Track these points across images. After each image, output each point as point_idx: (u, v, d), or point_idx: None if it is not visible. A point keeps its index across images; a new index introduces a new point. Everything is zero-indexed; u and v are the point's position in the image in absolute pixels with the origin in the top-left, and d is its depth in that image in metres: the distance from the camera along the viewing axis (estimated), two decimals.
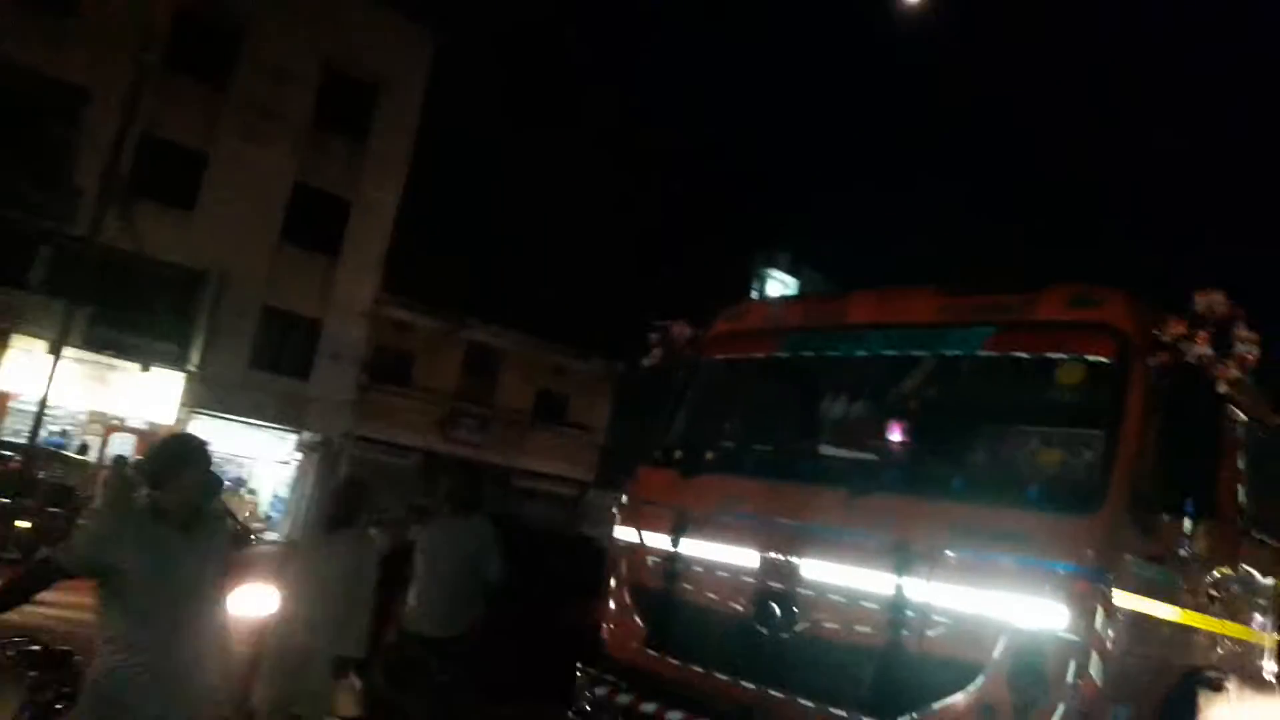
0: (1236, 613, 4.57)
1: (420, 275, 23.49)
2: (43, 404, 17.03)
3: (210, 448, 3.75)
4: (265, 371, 22.46)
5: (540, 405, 27.00)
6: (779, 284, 30.70)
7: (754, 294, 26.95)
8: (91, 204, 18.45)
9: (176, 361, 20.91)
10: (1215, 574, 4.39)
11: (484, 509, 6.26)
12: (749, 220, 28.72)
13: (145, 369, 20.10)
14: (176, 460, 3.61)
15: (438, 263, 23.70)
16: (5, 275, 18.61)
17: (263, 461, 23.14)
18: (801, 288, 29.32)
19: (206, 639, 3.56)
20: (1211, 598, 4.39)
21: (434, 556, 5.91)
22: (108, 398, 20.05)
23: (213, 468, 3.92)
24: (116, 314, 19.68)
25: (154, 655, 3.40)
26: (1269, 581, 4.85)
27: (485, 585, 5.88)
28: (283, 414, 22.63)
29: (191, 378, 21.09)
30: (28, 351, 18.59)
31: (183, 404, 20.88)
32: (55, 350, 17.11)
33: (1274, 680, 4.85)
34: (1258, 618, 4.77)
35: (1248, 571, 4.67)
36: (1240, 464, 4.56)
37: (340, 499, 5.59)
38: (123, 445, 19.61)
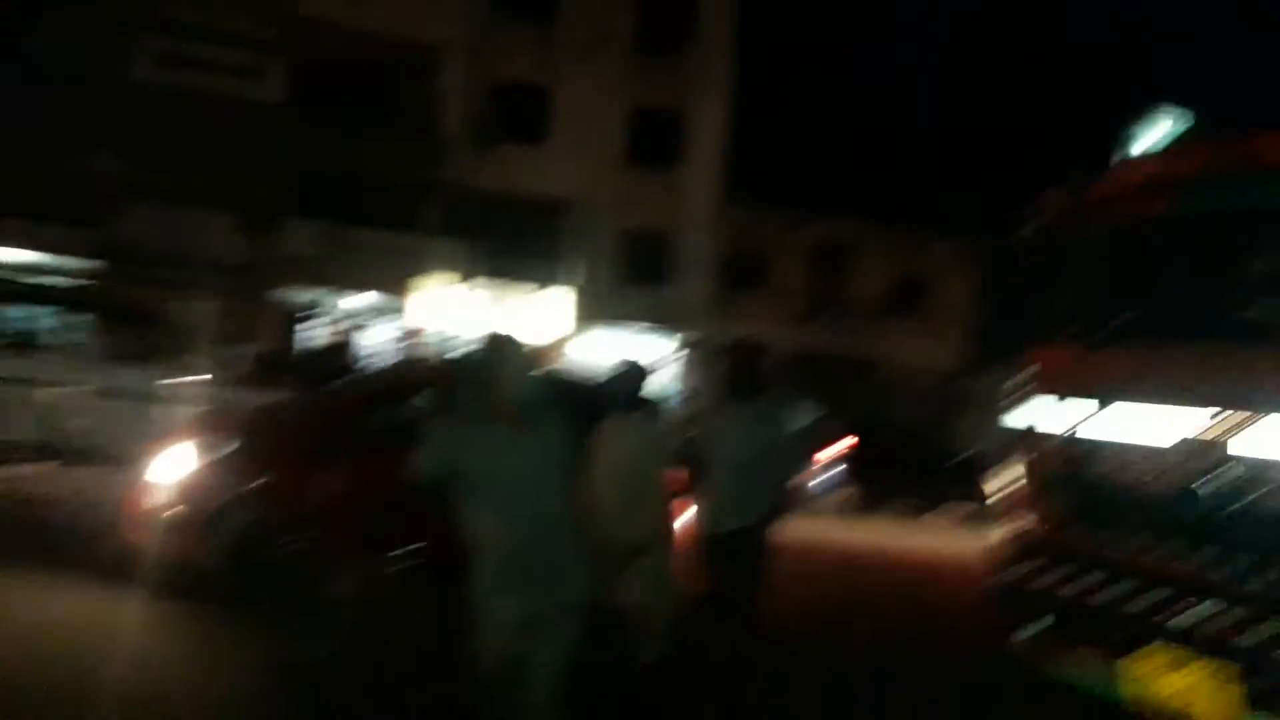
0: None
1: (761, 174, 23.61)
2: (449, 334, 19.28)
3: (520, 345, 3.67)
4: (632, 284, 23.79)
5: (898, 293, 26.42)
6: (1150, 137, 27.58)
7: (1126, 152, 24.29)
8: (459, 151, 20.34)
9: (563, 281, 22.78)
10: None
11: (772, 392, 5.97)
12: (1108, 75, 26.07)
13: (541, 288, 22.09)
14: (494, 359, 3.61)
15: (777, 159, 23.69)
16: (400, 224, 20.98)
17: (651, 362, 24.65)
18: (1175, 140, 26.13)
19: (565, 535, 3.63)
20: None
21: (719, 447, 5.69)
22: (507, 321, 22.26)
23: (537, 370, 3.86)
24: (502, 246, 21.73)
25: (514, 555, 3.50)
26: None
27: (778, 479, 5.66)
28: (655, 319, 23.99)
29: (579, 292, 22.90)
30: (431, 289, 21.03)
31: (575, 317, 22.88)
32: (460, 282, 19.32)
33: None
34: None
35: None
36: None
37: (738, 363, 5.60)
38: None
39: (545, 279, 22.67)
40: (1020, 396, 5.29)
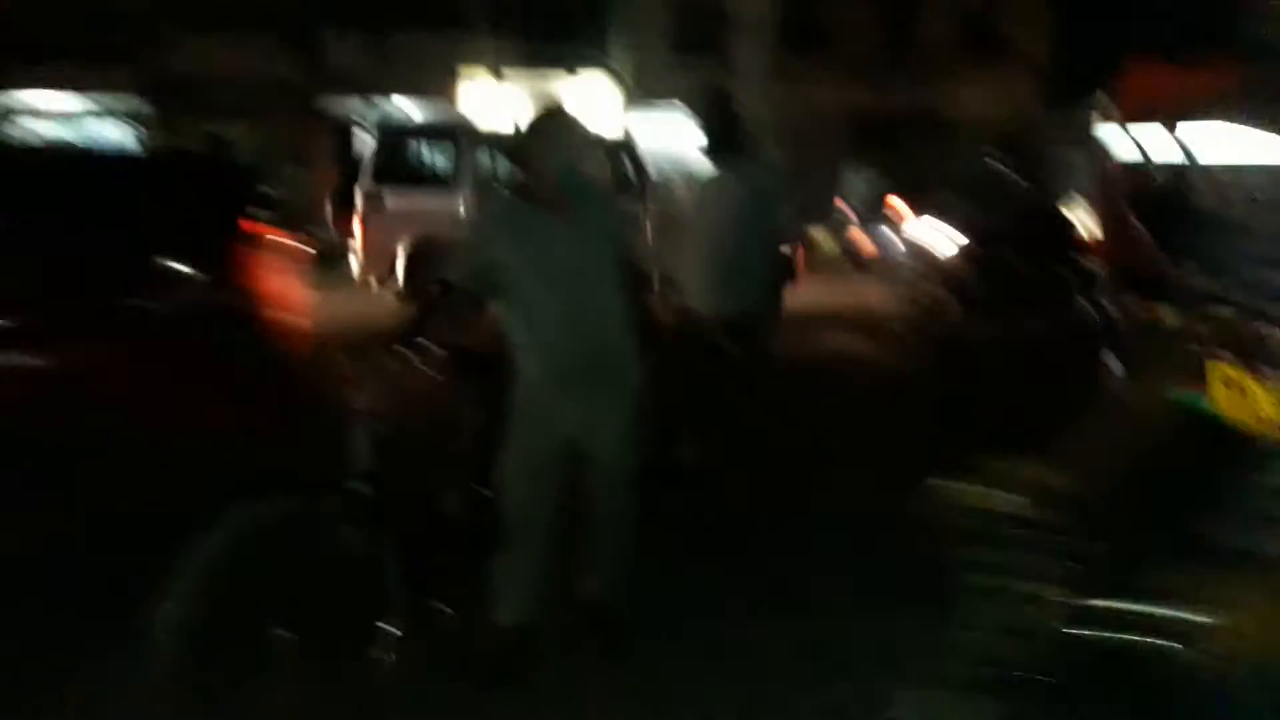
0: None
1: None
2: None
3: (577, 123, 3.29)
4: (684, 56, 22.84)
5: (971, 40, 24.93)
6: None
7: None
8: None
9: (609, 60, 22.00)
10: None
11: (752, 149, 4.99)
12: None
13: (586, 70, 21.50)
14: (537, 138, 3.21)
15: None
16: (437, 24, 20.46)
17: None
18: None
19: (614, 328, 3.28)
20: None
21: (699, 218, 4.85)
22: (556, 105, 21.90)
23: (590, 146, 3.52)
24: (544, 30, 21.11)
25: (562, 351, 3.17)
26: None
27: (774, 249, 4.83)
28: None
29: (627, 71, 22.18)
30: (478, 86, 20.77)
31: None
32: (505, 76, 18.96)
33: None
34: None
35: None
36: None
37: (712, 114, 4.76)
38: None
39: (591, 60, 21.87)
40: (1106, 125, 5.03)
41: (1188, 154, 4.48)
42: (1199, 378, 2.98)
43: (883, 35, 24.57)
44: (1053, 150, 15.04)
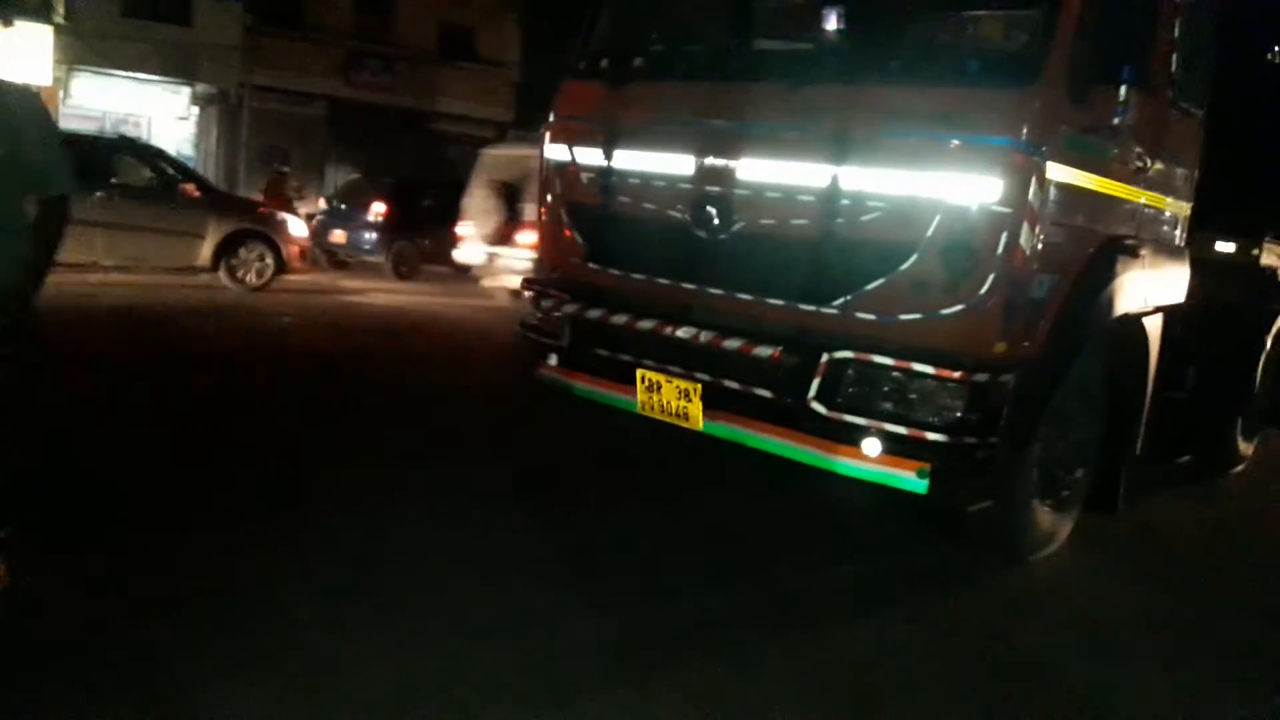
0: (1157, 183, 4.70)
1: None
2: None
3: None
4: (143, 19, 20.75)
5: (445, 40, 25.55)
6: None
7: None
8: None
9: (41, 14, 19.13)
10: (1143, 145, 4.46)
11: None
12: None
13: (7, 24, 18.39)
14: None
15: None
16: None
17: (159, 119, 21.99)
18: None
19: None
20: (1138, 169, 4.49)
21: None
22: None
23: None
24: None
25: None
26: (1189, 153, 4.96)
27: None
28: (170, 65, 21.23)
29: (62, 30, 19.42)
30: None
31: (58, 61, 19.41)
32: None
33: (1182, 247, 5.11)
34: (1176, 188, 4.93)
35: (1173, 141, 4.76)
36: (1177, 32, 4.50)
37: None
38: None
39: (18, 11, 18.71)
40: (549, 138, 5.31)
41: (615, 163, 4.92)
42: None
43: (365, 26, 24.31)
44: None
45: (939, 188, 3.93)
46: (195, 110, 22.48)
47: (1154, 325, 4.89)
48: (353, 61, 23.98)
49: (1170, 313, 4.99)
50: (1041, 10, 4.01)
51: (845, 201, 4.13)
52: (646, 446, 5.58)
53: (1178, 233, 5.07)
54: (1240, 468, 6.73)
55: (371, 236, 15.71)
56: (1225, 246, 6.04)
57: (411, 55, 24.85)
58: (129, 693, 2.91)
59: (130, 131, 20.52)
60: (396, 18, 24.81)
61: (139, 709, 2.84)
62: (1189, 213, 5.07)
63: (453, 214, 13.18)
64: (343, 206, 16.62)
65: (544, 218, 5.38)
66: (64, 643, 3.15)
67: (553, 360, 5.15)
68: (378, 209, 15.71)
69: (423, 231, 15.49)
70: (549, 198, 5.30)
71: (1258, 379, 6.53)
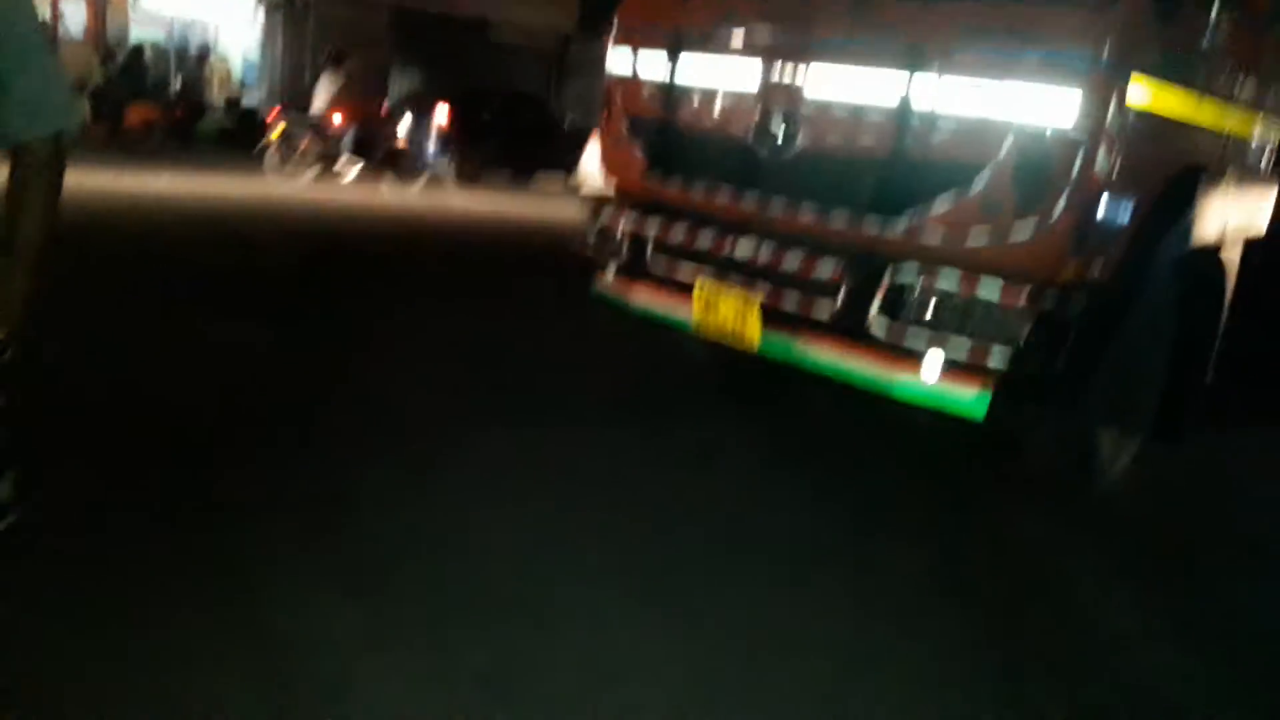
0: (1246, 109, 4.50)
1: None
2: None
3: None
4: None
5: None
6: None
7: None
8: None
9: None
10: (1232, 67, 4.26)
11: None
12: None
13: None
14: None
15: None
16: None
17: (227, 24, 22.07)
18: None
19: None
20: (1226, 93, 4.30)
21: None
22: None
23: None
24: None
25: None
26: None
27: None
28: None
29: None
30: None
31: None
32: None
33: (1269, 176, 4.90)
34: (1265, 115, 4.71)
35: (1265, 66, 4.54)
36: None
37: None
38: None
39: None
40: (612, 48, 5.24)
41: (678, 77, 4.83)
42: None
43: None
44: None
45: (1014, 105, 3.80)
46: (261, 14, 22.49)
47: (1233, 254, 4.73)
48: None
49: (1251, 243, 4.82)
50: None
51: (916, 117, 4.02)
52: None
53: (1264, 161, 4.87)
54: None
55: (435, 145, 15.69)
56: None
57: None
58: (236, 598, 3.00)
59: (198, 36, 20.66)
60: None
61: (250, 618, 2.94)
62: (1278, 141, 4.86)
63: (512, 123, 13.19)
64: (407, 115, 16.58)
65: (604, 129, 5.32)
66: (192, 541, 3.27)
67: (610, 274, 5.15)
68: (440, 119, 15.67)
69: (484, 141, 15.46)
70: (610, 108, 5.23)
71: None
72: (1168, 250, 4.26)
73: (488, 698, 2.57)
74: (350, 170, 14.40)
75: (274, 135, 14.21)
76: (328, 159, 14.27)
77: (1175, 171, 4.19)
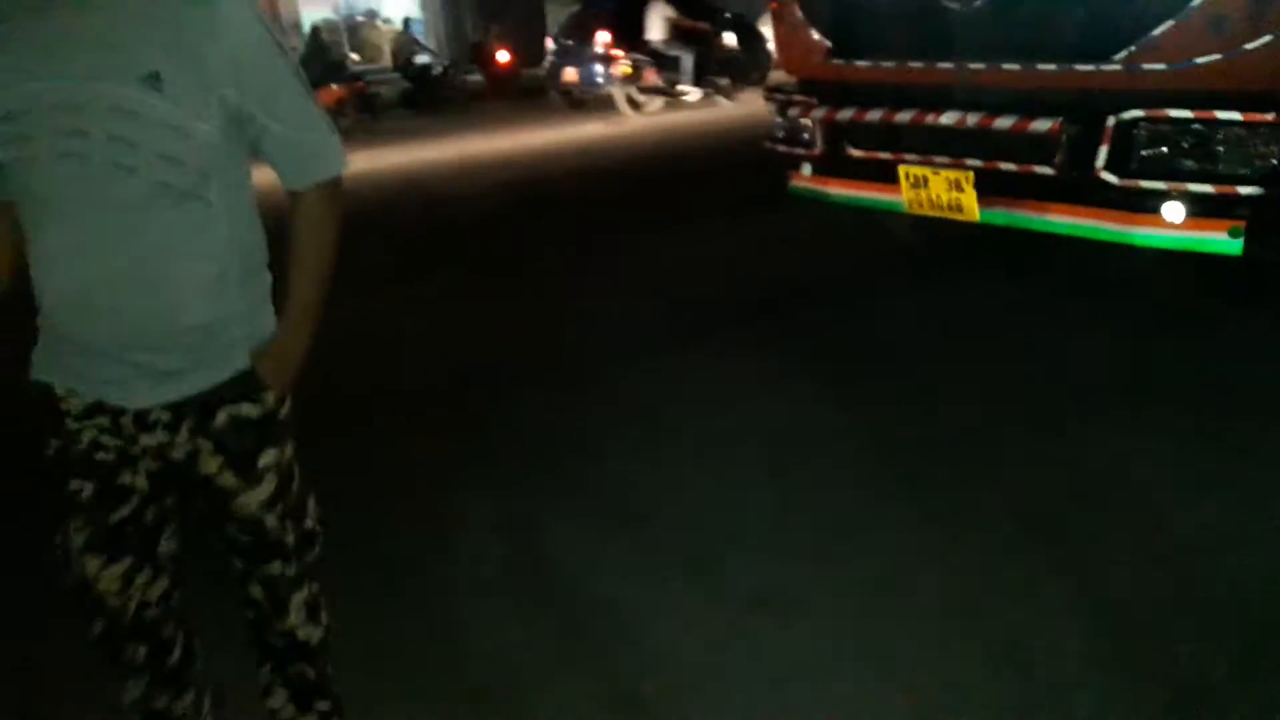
0: None
1: None
2: None
3: None
4: None
5: None
6: None
7: None
8: None
9: None
10: None
11: None
12: None
13: None
14: None
15: None
16: None
17: None
18: None
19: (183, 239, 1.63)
20: None
21: None
22: None
23: None
24: None
25: (70, 266, 1.61)
26: None
27: None
28: None
29: None
30: None
31: None
32: None
33: None
34: None
35: None
36: None
37: None
38: None
39: None
40: None
41: None
42: None
43: None
44: None
45: None
46: None
47: None
48: None
49: None
50: None
51: None
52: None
53: None
54: None
55: (602, 70, 15.60)
56: None
57: None
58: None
59: (363, 4, 21.25)
60: None
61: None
62: None
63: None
64: (569, 43, 16.53)
65: (779, 18, 5.14)
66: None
67: (806, 170, 5.01)
68: (603, 39, 15.50)
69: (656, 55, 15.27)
70: None
71: None
72: None
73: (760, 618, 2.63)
74: (694, 93, 15.06)
75: (622, 72, 14.74)
76: (671, 86, 14.95)
77: None
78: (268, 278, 1.81)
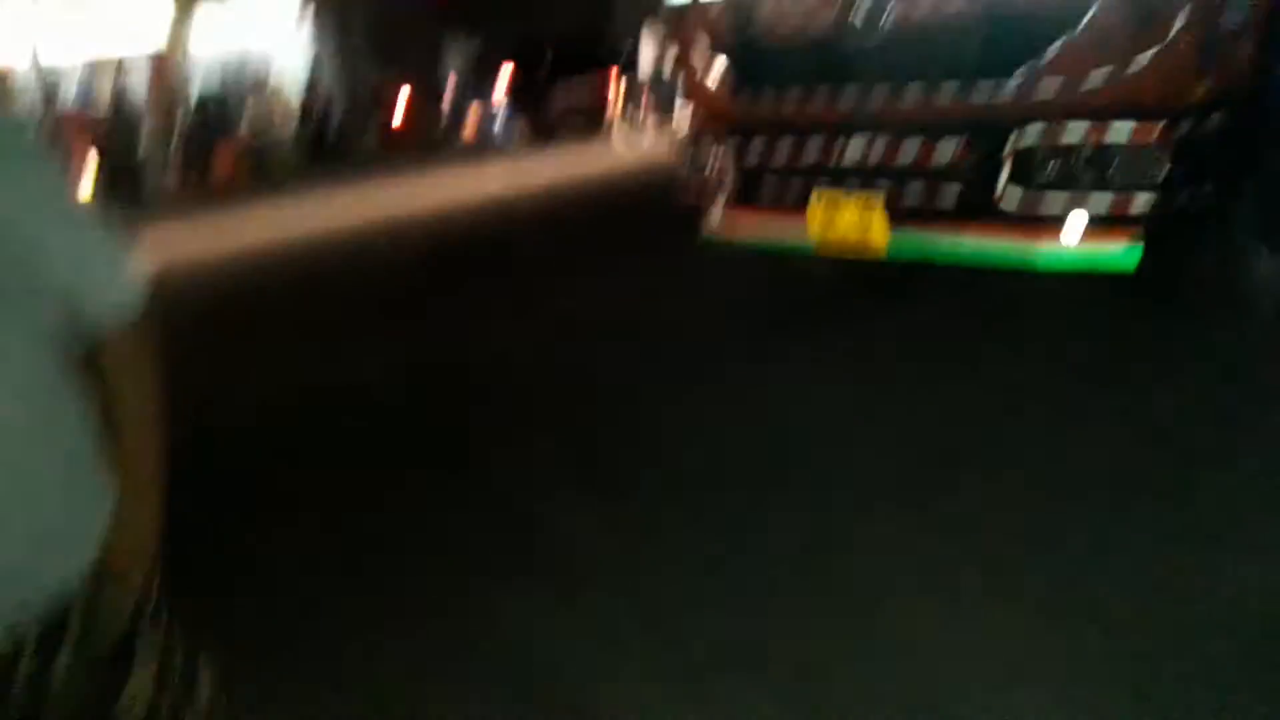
0: None
1: None
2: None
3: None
4: None
5: None
6: None
7: None
8: None
9: None
10: None
11: None
12: None
13: None
14: None
15: None
16: None
17: (276, 53, 22.10)
18: None
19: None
20: None
21: None
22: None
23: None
24: None
25: None
26: None
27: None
28: None
29: None
30: None
31: None
32: None
33: None
34: None
35: None
36: None
37: None
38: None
39: None
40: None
41: None
42: None
43: None
44: None
45: None
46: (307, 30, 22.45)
47: None
48: None
49: None
50: None
51: None
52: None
53: None
54: None
55: (505, 110, 15.37)
56: None
57: None
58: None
59: (250, 75, 20.58)
60: None
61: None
62: None
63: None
64: (469, 91, 16.25)
65: (684, 59, 5.17)
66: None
67: (716, 211, 5.01)
68: (503, 87, 15.36)
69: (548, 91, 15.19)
70: (684, 36, 5.08)
71: None
72: None
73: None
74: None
75: (618, 106, 14.46)
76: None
77: None
78: None
